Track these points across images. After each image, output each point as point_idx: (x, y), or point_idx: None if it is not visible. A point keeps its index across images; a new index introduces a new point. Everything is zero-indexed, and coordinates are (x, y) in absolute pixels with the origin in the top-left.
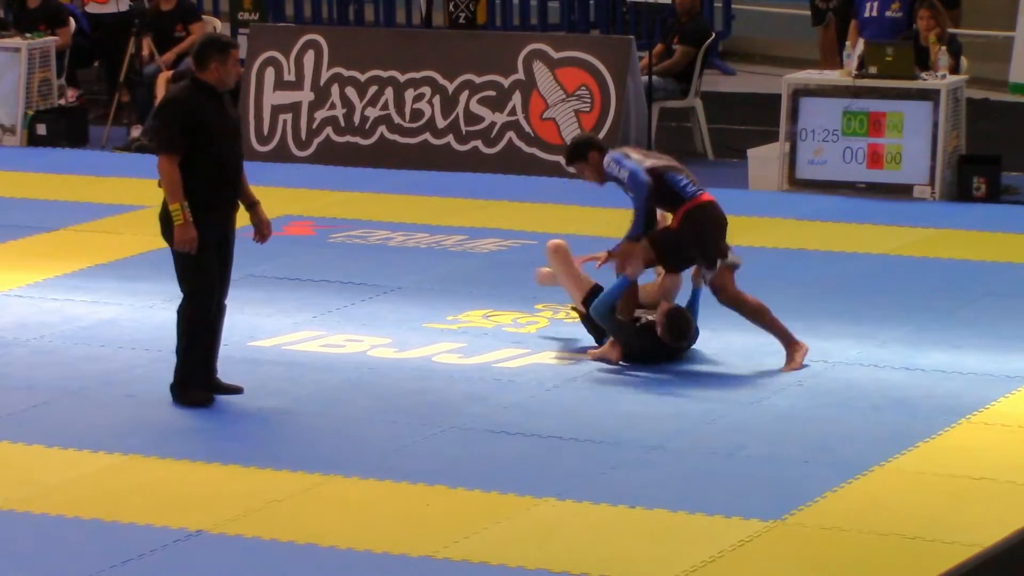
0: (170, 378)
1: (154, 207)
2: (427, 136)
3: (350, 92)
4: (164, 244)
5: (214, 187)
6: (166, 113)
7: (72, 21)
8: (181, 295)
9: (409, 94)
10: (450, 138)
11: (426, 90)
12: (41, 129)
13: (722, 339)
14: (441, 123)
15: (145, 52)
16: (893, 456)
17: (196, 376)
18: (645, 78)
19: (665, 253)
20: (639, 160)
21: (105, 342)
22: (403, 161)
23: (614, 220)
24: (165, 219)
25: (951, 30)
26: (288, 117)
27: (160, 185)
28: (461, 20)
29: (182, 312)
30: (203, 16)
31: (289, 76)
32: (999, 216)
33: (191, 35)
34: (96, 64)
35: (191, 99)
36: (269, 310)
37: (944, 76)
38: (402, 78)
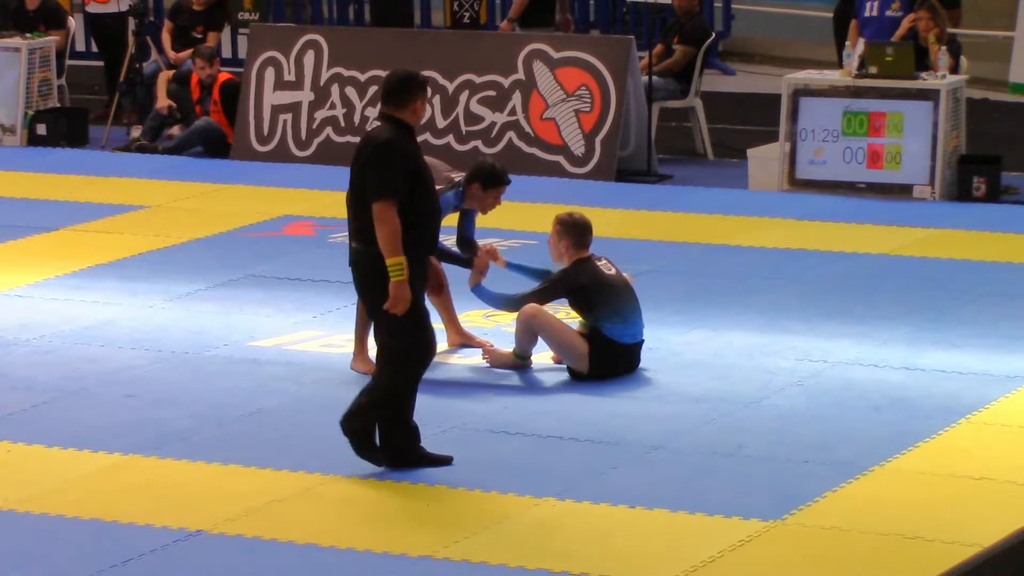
0: (170, 378)
1: (154, 207)
2: (427, 136)
3: (350, 92)
4: (163, 244)
5: (421, 239)
6: (391, 156)
7: (72, 22)
8: (383, 352)
9: None
10: (450, 138)
11: None
12: (41, 129)
13: (722, 339)
14: (441, 123)
15: (165, 42)
16: (893, 456)
17: (382, 431)
18: (645, 78)
19: None
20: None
21: (105, 342)
22: None
23: (615, 220)
24: (371, 272)
25: (951, 30)
26: (288, 117)
27: (361, 238)
28: (466, 20)
29: (380, 375)
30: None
31: (289, 76)
32: (999, 216)
33: (207, 42)
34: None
35: (409, 144)
36: (269, 310)
37: (944, 76)
38: None
